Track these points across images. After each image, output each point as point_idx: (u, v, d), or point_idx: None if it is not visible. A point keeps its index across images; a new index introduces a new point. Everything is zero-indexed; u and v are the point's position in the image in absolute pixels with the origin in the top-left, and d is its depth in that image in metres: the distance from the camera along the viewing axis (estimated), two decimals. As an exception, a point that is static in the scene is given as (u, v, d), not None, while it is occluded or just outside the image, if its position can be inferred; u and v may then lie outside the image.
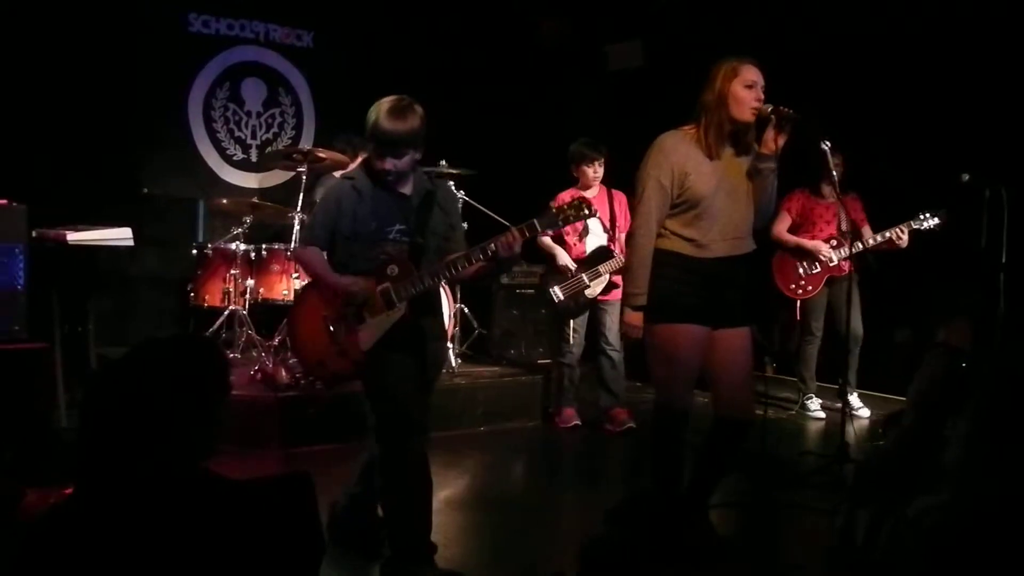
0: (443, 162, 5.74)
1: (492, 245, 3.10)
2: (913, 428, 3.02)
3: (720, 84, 3.35)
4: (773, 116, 3.34)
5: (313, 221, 3.30)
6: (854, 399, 5.88)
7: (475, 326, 6.36)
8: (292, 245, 5.49)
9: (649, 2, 7.09)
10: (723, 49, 3.52)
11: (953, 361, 3.09)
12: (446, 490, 4.24)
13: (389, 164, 3.15)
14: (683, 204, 3.40)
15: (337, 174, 5.12)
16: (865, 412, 5.89)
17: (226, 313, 5.59)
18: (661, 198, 3.39)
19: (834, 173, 4.55)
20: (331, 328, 3.18)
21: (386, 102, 3.14)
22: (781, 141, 3.38)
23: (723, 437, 3.52)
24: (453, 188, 5.36)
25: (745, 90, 3.34)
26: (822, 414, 5.90)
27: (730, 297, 3.46)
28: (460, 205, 3.49)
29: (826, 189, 5.73)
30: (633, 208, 3.55)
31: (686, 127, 3.47)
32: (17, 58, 5.94)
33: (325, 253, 3.27)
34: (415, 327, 3.22)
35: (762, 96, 3.36)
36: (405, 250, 3.19)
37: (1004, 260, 4.77)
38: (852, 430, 4.85)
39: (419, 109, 3.17)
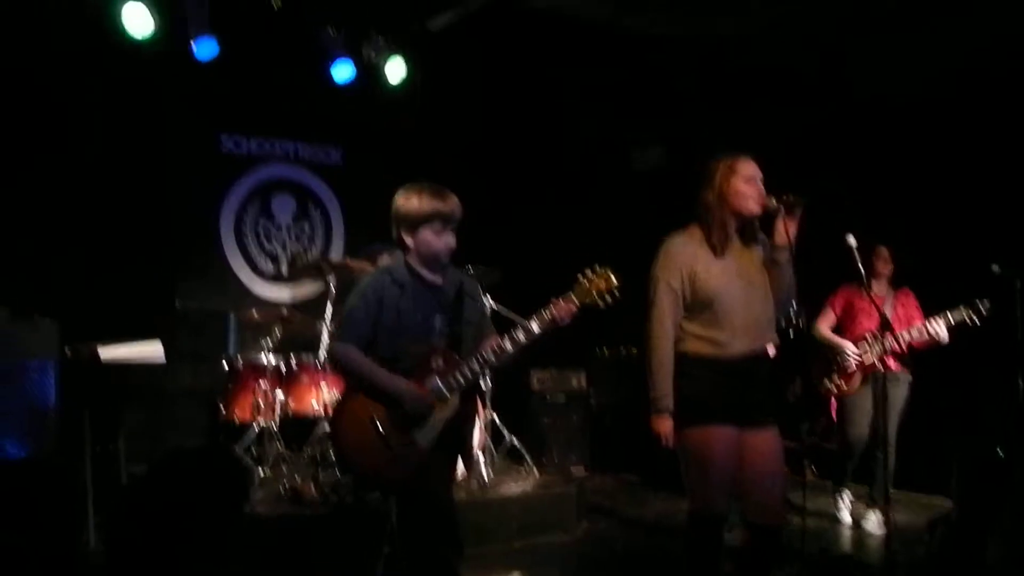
0: (469, 266, 5.77)
1: (540, 320, 3.09)
2: (958, 524, 2.86)
3: (720, 181, 3.37)
4: (781, 207, 3.35)
5: (352, 318, 3.19)
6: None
7: (506, 435, 6.26)
8: (321, 354, 5.50)
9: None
10: (743, 148, 3.54)
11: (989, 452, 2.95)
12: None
13: (453, 240, 3.17)
14: (697, 304, 3.37)
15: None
16: (847, 518, 5.58)
17: (256, 428, 5.56)
18: (672, 300, 3.37)
19: (860, 267, 4.47)
20: (382, 432, 3.07)
21: (420, 186, 3.19)
22: (793, 229, 3.38)
23: (757, 545, 3.40)
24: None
25: (746, 184, 3.36)
26: (848, 518, 5.60)
27: (757, 395, 3.39)
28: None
29: (874, 283, 5.43)
30: (645, 313, 3.48)
31: (690, 227, 3.47)
32: (52, 172, 6.11)
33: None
34: (463, 417, 3.17)
35: (763, 189, 3.38)
36: (447, 342, 3.17)
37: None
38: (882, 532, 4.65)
39: None
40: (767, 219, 3.42)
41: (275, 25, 6.59)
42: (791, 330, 4.67)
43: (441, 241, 3.16)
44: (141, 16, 6.00)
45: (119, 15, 5.98)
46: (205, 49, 6.36)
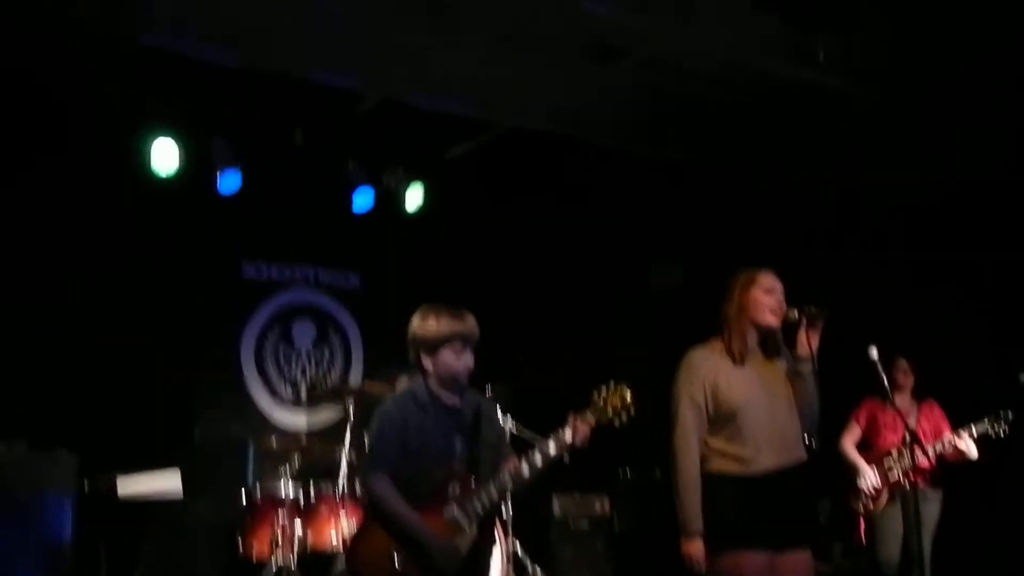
0: (488, 386, 5.71)
1: (557, 442, 3.02)
2: None
3: (739, 293, 3.38)
4: (803, 317, 3.33)
5: (381, 440, 3.13)
6: None
7: (528, 567, 6.04)
8: (340, 482, 5.41)
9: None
10: (763, 262, 3.55)
11: None
12: None
13: (471, 361, 3.14)
14: (720, 417, 3.31)
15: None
16: None
17: (274, 565, 5.39)
18: (696, 414, 3.33)
19: (884, 380, 4.39)
20: (399, 566, 2.97)
21: (437, 308, 3.18)
22: (815, 341, 3.35)
23: None
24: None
25: (765, 295, 3.36)
26: None
27: (789, 515, 3.29)
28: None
29: (897, 396, 5.29)
30: (669, 430, 3.43)
31: (711, 341, 3.46)
32: (72, 301, 6.14)
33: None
34: (482, 547, 3.08)
35: (783, 301, 3.37)
36: (465, 464, 3.11)
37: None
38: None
39: None
40: (789, 332, 3.40)
41: (297, 157, 6.79)
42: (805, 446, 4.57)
43: (460, 362, 3.14)
44: (169, 153, 6.17)
45: (148, 153, 6.15)
46: (229, 183, 6.53)
